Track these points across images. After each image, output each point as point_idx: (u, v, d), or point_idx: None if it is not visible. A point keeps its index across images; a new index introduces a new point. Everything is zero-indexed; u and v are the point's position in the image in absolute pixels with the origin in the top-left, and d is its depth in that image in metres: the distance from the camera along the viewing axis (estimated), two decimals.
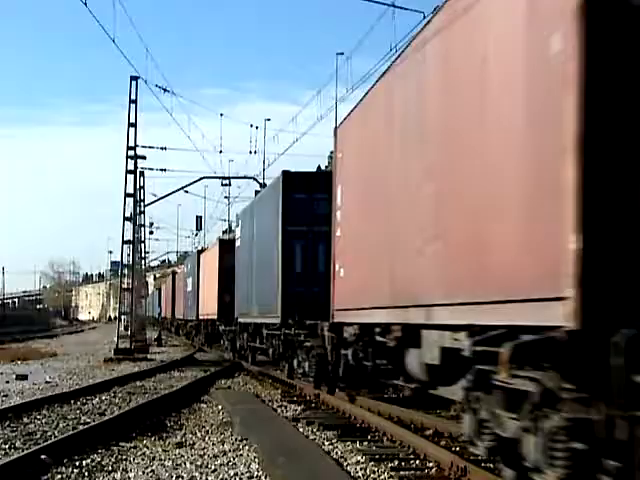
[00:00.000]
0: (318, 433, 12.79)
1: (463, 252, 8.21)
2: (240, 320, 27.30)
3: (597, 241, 5.69)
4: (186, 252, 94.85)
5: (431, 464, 9.98)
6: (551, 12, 6.09)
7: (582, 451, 6.01)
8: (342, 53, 56.56)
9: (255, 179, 47.65)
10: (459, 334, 8.41)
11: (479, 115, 7.79)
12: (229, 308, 29.78)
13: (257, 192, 44.64)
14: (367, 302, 12.38)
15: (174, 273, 66.34)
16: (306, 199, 19.71)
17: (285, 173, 20.59)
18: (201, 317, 40.84)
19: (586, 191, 5.70)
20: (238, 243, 28.11)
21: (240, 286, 27.19)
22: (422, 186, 9.56)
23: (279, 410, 15.93)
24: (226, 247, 32.47)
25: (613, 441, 5.69)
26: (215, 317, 34.18)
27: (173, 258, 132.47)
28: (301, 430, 13.10)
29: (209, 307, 36.00)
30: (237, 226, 29.17)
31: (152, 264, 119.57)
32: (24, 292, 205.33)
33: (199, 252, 45.56)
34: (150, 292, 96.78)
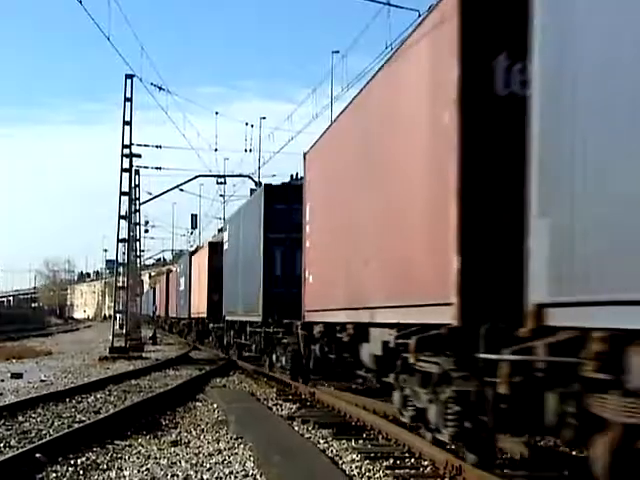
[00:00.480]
0: (313, 431, 12.80)
1: (394, 267, 10.72)
2: (227, 318, 29.23)
3: (471, 263, 8.18)
4: (181, 250, 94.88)
5: (426, 463, 9.99)
6: (444, 99, 8.66)
7: (463, 413, 8.60)
8: (338, 51, 56.53)
9: (250, 177, 47.66)
10: (392, 330, 10.81)
11: (399, 165, 10.56)
12: (218, 307, 31.35)
13: (252, 190, 44.72)
14: (329, 304, 14.87)
15: (168, 273, 67.28)
16: (285, 209, 21.22)
17: (266, 186, 22.88)
18: (192, 315, 42.62)
19: (464, 226, 8.20)
20: (226, 246, 29.87)
21: (227, 286, 29.12)
22: (367, 214, 12.14)
23: (274, 409, 15.94)
24: (215, 249, 34.13)
25: (483, 403, 8.06)
26: (205, 315, 35.94)
27: (169, 256, 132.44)
28: (296, 428, 13.11)
29: (199, 306, 37.90)
30: (225, 231, 31.51)
31: (147, 262, 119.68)
32: (19, 290, 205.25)
33: (191, 253, 47.36)
34: (145, 290, 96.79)
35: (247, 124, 48.59)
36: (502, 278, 7.92)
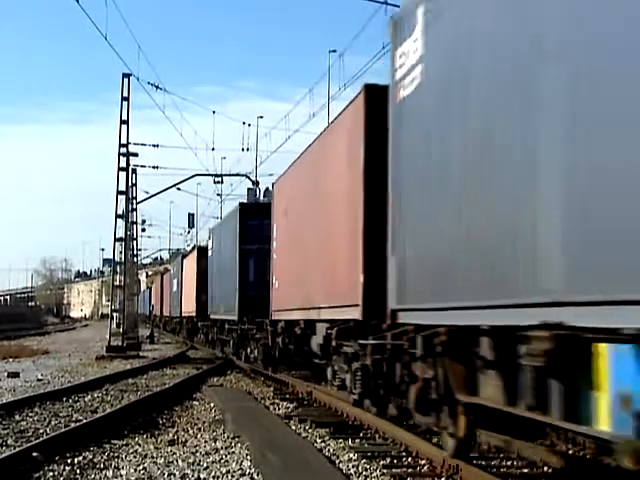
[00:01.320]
0: (310, 430, 12.81)
1: (328, 278, 14.67)
2: (212, 317, 32.90)
3: (368, 280, 12.04)
4: (178, 249, 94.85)
5: (423, 462, 10.00)
6: (356, 168, 12.56)
7: (366, 378, 12.49)
8: (335, 50, 56.58)
9: (247, 176, 47.63)
10: (328, 325, 14.81)
11: (331, 206, 14.53)
12: (205, 307, 34.80)
13: (249, 190, 44.69)
14: (289, 305, 18.56)
15: (163, 273, 70.20)
16: (257, 224, 24.57)
17: (241, 204, 27.17)
18: (184, 314, 46.06)
19: (365, 257, 12.18)
20: (210, 253, 33.99)
21: (211, 289, 32.82)
22: (312, 237, 16.13)
23: (271, 407, 15.95)
24: (203, 253, 37.13)
25: (379, 372, 11.84)
26: (194, 314, 39.44)
27: (166, 255, 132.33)
28: (293, 427, 13.12)
29: (189, 305, 41.36)
30: (209, 240, 35.56)
31: (145, 261, 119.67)
32: (16, 290, 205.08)
33: (182, 257, 50.54)
34: (142, 290, 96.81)
35: (244, 123, 48.87)
36: (381, 292, 10.52)
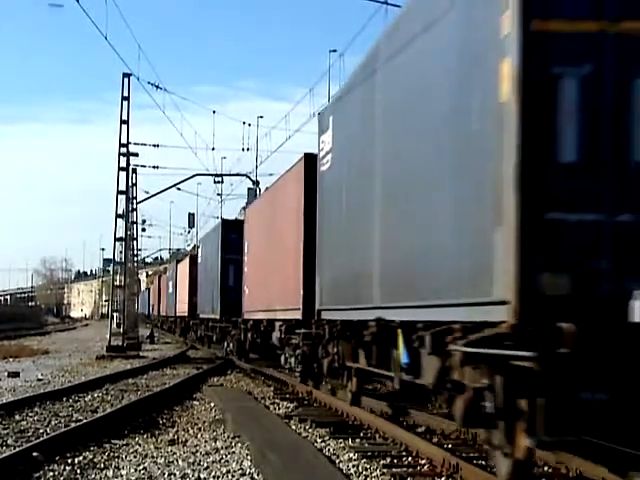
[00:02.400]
0: (310, 430, 12.80)
1: (282, 286, 19.23)
2: (200, 316, 37.94)
3: (306, 290, 16.52)
4: (178, 249, 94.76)
5: (423, 461, 10.00)
6: (298, 213, 17.44)
7: (304, 360, 17.82)
8: (335, 50, 56.54)
9: (248, 176, 47.58)
10: (281, 323, 19.91)
11: (283, 232, 19.53)
12: (195, 307, 39.67)
13: (250, 189, 44.67)
14: (255, 307, 23.59)
15: (160, 276, 73.45)
16: (237, 237, 28.16)
17: (223, 220, 32.62)
18: (178, 314, 50.81)
19: (304, 273, 16.79)
20: (199, 260, 39.05)
21: (200, 291, 37.89)
22: (271, 254, 21.26)
23: (271, 407, 15.94)
24: (194, 260, 41.71)
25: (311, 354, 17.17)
26: (186, 314, 44.19)
27: (166, 255, 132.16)
28: (293, 427, 13.12)
29: (182, 306, 45.88)
30: (198, 248, 41.58)
31: (145, 261, 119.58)
32: (16, 289, 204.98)
33: (177, 262, 55.20)
34: (142, 289, 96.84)
35: (244, 123, 48.60)
36: (313, 299, 15.79)
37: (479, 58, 7.54)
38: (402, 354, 10.52)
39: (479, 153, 7.52)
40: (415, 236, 9.42)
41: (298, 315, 17.39)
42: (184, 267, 46.31)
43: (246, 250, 25.60)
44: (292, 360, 19.19)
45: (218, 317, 30.56)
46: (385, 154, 10.79)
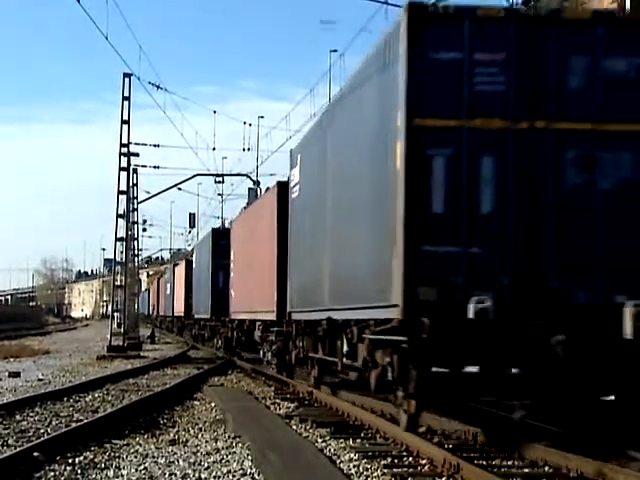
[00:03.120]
0: (311, 430, 12.80)
1: (260, 292, 22.25)
2: (195, 316, 41.23)
3: (279, 294, 19.86)
4: (179, 249, 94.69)
5: (424, 461, 10.00)
6: (273, 231, 21.02)
7: (281, 353, 20.91)
8: (336, 50, 56.52)
9: (248, 176, 47.64)
10: (260, 322, 23.43)
11: (261, 244, 22.93)
12: (191, 308, 42.68)
13: (250, 189, 44.67)
14: (240, 309, 26.92)
15: (159, 277, 77.17)
16: (226, 244, 31.15)
17: (213, 230, 36.69)
18: (175, 314, 54.74)
19: (277, 280, 20.19)
20: (194, 265, 42.42)
21: (195, 293, 41.07)
22: (252, 262, 24.55)
23: (272, 407, 15.95)
24: (190, 264, 45.31)
25: (286, 350, 20.33)
26: (182, 314, 47.77)
27: (167, 255, 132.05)
28: (294, 427, 13.11)
29: (179, 307, 49.41)
30: (192, 255, 45.90)
31: (145, 261, 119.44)
32: (17, 289, 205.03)
33: (174, 265, 59.88)
34: (143, 289, 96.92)
35: (245, 123, 48.60)
36: (285, 302, 18.89)
37: (385, 138, 10.80)
38: (344, 344, 13.90)
39: (384, 204, 10.77)
40: (348, 257, 13.17)
41: (272, 316, 20.81)
42: (180, 270, 49.58)
43: (232, 257, 29.27)
44: (269, 354, 22.75)
45: (209, 317, 34.34)
46: (332, 193, 14.44)
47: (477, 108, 10.17)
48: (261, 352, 24.04)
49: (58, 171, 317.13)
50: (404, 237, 9.94)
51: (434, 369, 9.97)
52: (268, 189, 24.95)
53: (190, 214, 72.23)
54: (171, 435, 12.51)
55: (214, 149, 47.29)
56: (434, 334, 9.70)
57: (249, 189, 45.04)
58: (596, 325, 9.90)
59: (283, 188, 20.45)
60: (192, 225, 74.32)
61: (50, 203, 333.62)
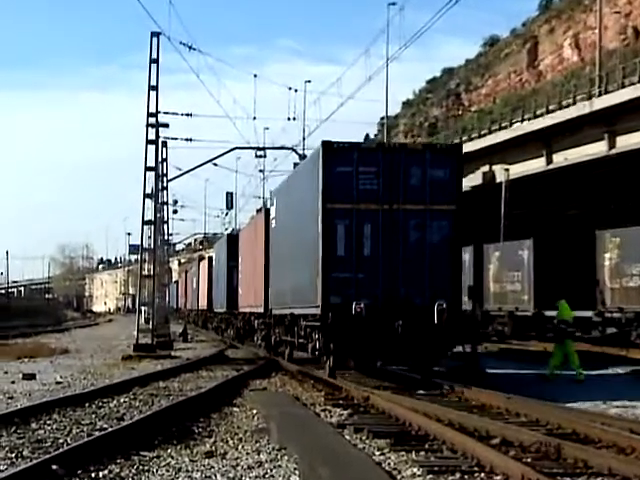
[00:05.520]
0: (367, 441, 12.82)
1: (255, 291, 32.65)
2: (215, 310, 52.05)
3: (265, 295, 29.95)
4: (215, 234, 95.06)
5: (498, 477, 9.97)
6: (263, 237, 30.67)
7: (266, 338, 32.07)
8: (394, 3, 56.33)
9: (294, 150, 47.75)
10: (255, 315, 34.74)
11: (256, 252, 32.79)
12: (212, 302, 52.84)
13: (295, 164, 44.73)
14: (245, 304, 36.34)
15: (187, 270, 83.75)
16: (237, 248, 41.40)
17: (228, 235, 48.91)
18: (200, 308, 64.59)
19: (265, 284, 29.98)
20: (214, 263, 53.07)
21: (214, 289, 51.66)
22: (251, 268, 34.37)
23: (322, 415, 15.99)
24: (212, 261, 55.20)
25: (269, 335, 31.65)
26: (206, 308, 58.05)
27: (199, 240, 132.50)
28: (348, 438, 13.13)
29: (203, 301, 59.41)
30: (214, 253, 56.40)
31: (177, 247, 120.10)
32: (31, 280, 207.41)
33: (199, 259, 70.58)
34: (174, 280, 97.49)
35: (290, 89, 48.66)
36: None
37: (314, 212, 21.14)
38: (301, 330, 23.92)
39: (313, 249, 21.25)
40: (299, 276, 23.66)
41: (261, 309, 30.69)
42: (205, 266, 59.09)
43: (240, 260, 39.05)
44: (259, 339, 33.95)
45: (224, 310, 44.75)
46: (291, 234, 25.24)
47: (361, 198, 20.95)
48: (255, 337, 35.48)
49: (76, 145, 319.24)
50: (322, 268, 20.82)
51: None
52: (259, 211, 39.50)
53: (227, 193, 72.60)
54: (207, 446, 12.58)
55: (254, 118, 47.19)
56: (335, 322, 20.41)
57: (294, 164, 45.02)
58: (422, 316, 20.35)
59: (268, 214, 30.08)
60: (229, 206, 74.70)
61: (68, 181, 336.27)
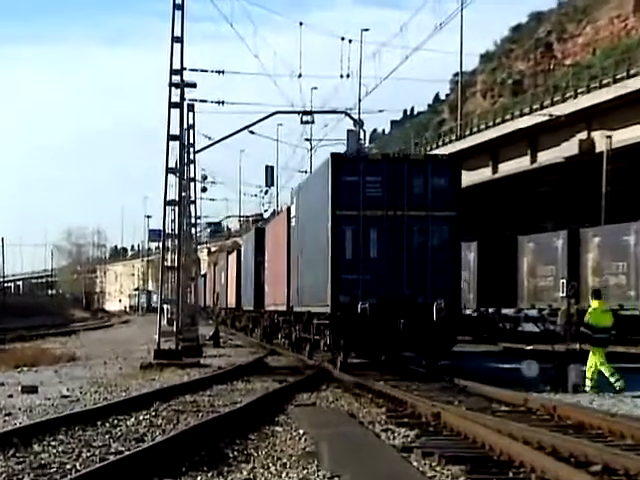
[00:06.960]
0: (439, 468, 12.84)
1: (278, 289, 40.55)
2: (243, 308, 58.72)
3: (288, 293, 37.18)
4: (251, 216, 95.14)
5: None
6: (284, 236, 38.00)
7: (288, 333, 40.79)
8: None
9: (348, 114, 47.44)
10: (278, 313, 43.31)
11: (279, 250, 40.37)
12: (241, 300, 59.10)
13: (350, 132, 44.62)
14: (269, 302, 44.38)
15: (215, 263, 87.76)
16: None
17: (256, 229, 54.03)
18: (228, 306, 70.59)
19: (287, 283, 36.91)
20: (242, 258, 59.32)
21: (243, 286, 58.08)
22: (275, 267, 41.78)
23: (383, 436, 16.02)
24: (240, 255, 61.52)
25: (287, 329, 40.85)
26: (234, 306, 64.49)
27: (234, 225, 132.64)
28: (415, 464, 13.15)
29: (232, 299, 65.46)
30: (242, 249, 62.02)
31: (206, 233, 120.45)
32: (31, 273, 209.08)
33: (228, 252, 75.82)
34: (203, 272, 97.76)
35: (343, 39, 48.55)
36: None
37: (324, 218, 28.24)
38: (314, 328, 30.49)
39: (324, 252, 28.29)
40: (312, 274, 30.90)
41: (285, 307, 36.86)
42: (233, 261, 65.63)
43: (266, 257, 45.50)
44: (282, 337, 41.98)
45: (252, 308, 50.97)
46: (308, 236, 31.89)
47: (367, 205, 27.19)
48: (279, 335, 43.18)
49: (86, 110, 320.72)
50: (331, 270, 27.27)
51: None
52: (281, 213, 46.60)
53: (267, 167, 72.71)
54: (244, 473, 12.66)
55: (300, 76, 47.24)
56: (343, 320, 26.83)
57: (348, 132, 44.83)
58: (423, 314, 26.35)
59: (289, 212, 36.16)
60: (270, 183, 74.52)
61: (74, 154, 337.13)
